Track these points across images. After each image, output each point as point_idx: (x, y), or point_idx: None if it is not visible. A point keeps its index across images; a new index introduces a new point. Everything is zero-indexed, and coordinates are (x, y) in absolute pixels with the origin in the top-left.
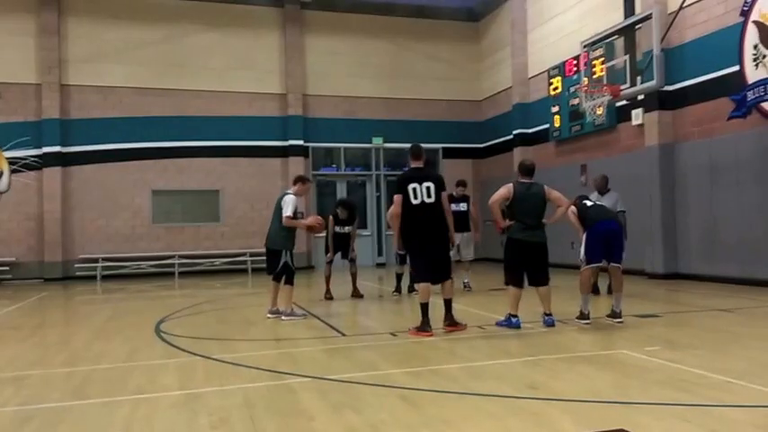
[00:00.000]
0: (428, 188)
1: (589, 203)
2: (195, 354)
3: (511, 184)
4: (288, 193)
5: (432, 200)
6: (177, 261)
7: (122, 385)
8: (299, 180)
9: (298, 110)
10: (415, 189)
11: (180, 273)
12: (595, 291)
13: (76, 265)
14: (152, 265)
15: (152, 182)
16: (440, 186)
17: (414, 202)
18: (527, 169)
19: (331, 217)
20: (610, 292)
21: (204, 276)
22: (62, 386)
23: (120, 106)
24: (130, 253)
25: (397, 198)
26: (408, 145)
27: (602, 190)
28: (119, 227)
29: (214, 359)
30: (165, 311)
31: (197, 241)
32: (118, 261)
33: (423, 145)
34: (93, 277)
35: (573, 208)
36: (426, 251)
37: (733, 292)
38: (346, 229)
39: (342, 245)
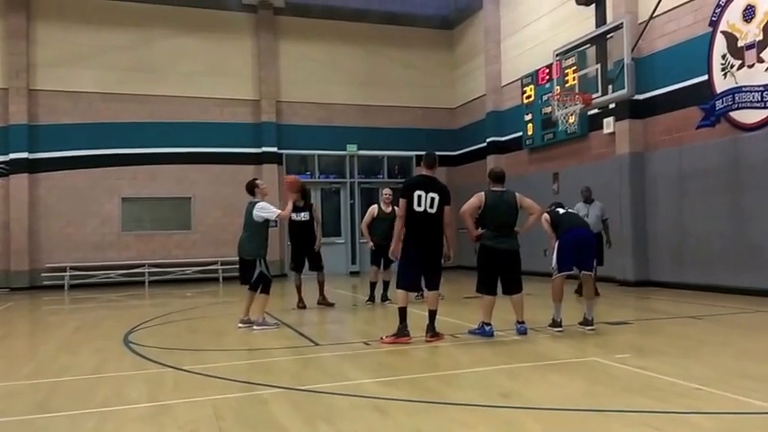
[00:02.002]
0: (433, 198)
1: (561, 211)
2: (165, 365)
3: (482, 193)
4: (256, 202)
5: (434, 211)
6: (147, 270)
7: (89, 398)
8: (254, 186)
9: (271, 116)
10: (420, 197)
11: (150, 282)
12: (579, 292)
13: (43, 275)
14: (121, 274)
15: (122, 189)
16: (444, 199)
17: (417, 209)
18: (497, 176)
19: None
20: (578, 293)
21: (175, 285)
22: (27, 399)
23: (90, 112)
24: (99, 262)
25: (402, 203)
26: (381, 153)
27: (588, 200)
28: (87, 235)
29: (184, 370)
30: (135, 321)
31: (168, 249)
32: (86, 270)
33: (397, 153)
34: (61, 287)
35: (546, 216)
36: (418, 260)
37: (702, 299)
38: (302, 215)
39: (303, 237)
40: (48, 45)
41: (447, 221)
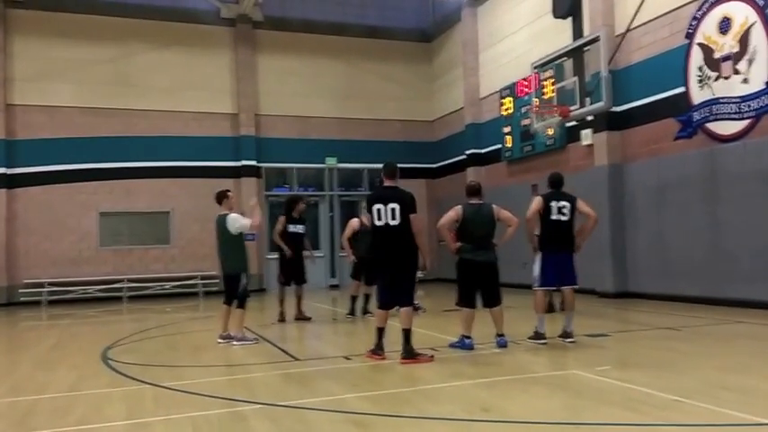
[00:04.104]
0: (393, 210)
1: (554, 217)
2: (143, 381)
3: (460, 207)
4: (227, 214)
5: (396, 222)
6: (125, 285)
7: (67, 416)
8: (224, 197)
9: (250, 130)
10: (379, 210)
11: (128, 297)
12: (551, 309)
13: (21, 290)
14: (99, 290)
15: (99, 204)
16: (407, 208)
17: (377, 223)
18: (474, 190)
19: (283, 218)
20: (563, 309)
21: (154, 300)
22: (5, 417)
23: (68, 126)
24: (77, 277)
25: (365, 218)
26: (360, 166)
27: None
28: (65, 250)
29: (163, 387)
30: (113, 338)
31: (146, 264)
32: (64, 286)
33: (376, 166)
34: (39, 303)
35: (539, 200)
36: (384, 275)
37: (680, 310)
38: (299, 227)
39: (298, 249)
40: (25, 60)
41: (416, 230)
